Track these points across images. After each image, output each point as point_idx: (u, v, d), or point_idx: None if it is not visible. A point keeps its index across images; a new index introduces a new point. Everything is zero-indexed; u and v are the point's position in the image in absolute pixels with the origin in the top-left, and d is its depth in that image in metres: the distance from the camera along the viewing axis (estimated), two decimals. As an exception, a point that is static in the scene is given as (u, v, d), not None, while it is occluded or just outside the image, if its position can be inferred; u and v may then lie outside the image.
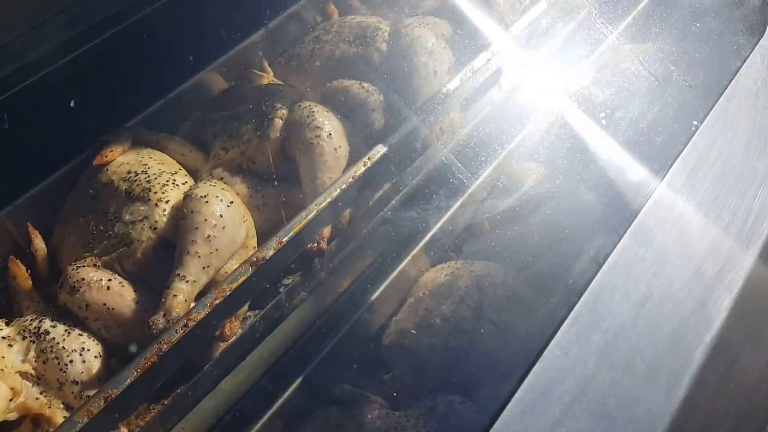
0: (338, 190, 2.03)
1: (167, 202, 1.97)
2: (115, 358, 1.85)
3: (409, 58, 2.33)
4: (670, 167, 2.11)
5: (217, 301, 1.80)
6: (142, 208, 1.97)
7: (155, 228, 1.93)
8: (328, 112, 2.14)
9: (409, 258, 2.36)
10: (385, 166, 2.19)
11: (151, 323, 1.77)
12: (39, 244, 2.08)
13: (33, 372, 1.80)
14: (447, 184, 2.40)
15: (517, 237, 2.44)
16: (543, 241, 2.35)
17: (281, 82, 2.45)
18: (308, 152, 2.08)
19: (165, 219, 1.95)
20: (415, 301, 2.24)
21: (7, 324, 1.89)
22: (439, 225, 2.38)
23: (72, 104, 2.26)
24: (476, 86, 2.42)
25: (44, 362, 1.80)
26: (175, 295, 1.81)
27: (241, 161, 2.17)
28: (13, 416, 1.75)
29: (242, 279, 1.85)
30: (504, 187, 2.53)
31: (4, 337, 1.82)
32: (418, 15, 2.64)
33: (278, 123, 2.14)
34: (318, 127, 2.09)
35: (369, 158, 2.11)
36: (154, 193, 1.98)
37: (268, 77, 2.46)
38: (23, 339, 1.83)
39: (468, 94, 2.43)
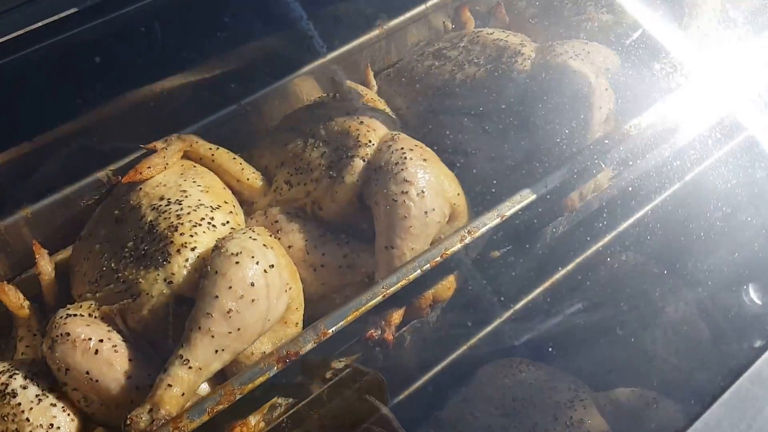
0: (418, 271, 1.47)
1: (193, 249, 1.49)
2: (94, 438, 1.42)
3: (554, 99, 1.72)
4: None
5: (220, 408, 1.31)
6: (160, 251, 1.50)
7: (170, 282, 1.46)
8: (426, 161, 1.58)
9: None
10: (493, 243, 1.62)
11: (130, 420, 1.31)
12: (45, 266, 1.68)
13: (-9, 445, 1.40)
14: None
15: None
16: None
17: (381, 104, 1.91)
18: (389, 211, 1.54)
19: (185, 272, 1.47)
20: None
21: (-26, 368, 1.50)
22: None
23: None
24: (643, 145, 1.78)
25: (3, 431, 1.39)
26: (169, 385, 1.33)
27: (306, 203, 1.66)
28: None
29: (260, 380, 1.34)
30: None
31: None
32: (578, 38, 2.01)
33: (358, 164, 1.60)
34: (407, 181, 1.54)
35: (470, 231, 1.53)
36: (180, 234, 1.51)
37: (369, 94, 1.92)
38: (-21, 401, 1.42)
39: (626, 154, 1.79)
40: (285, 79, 2.00)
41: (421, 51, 2.03)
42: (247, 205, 1.75)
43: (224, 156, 1.78)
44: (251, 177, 1.76)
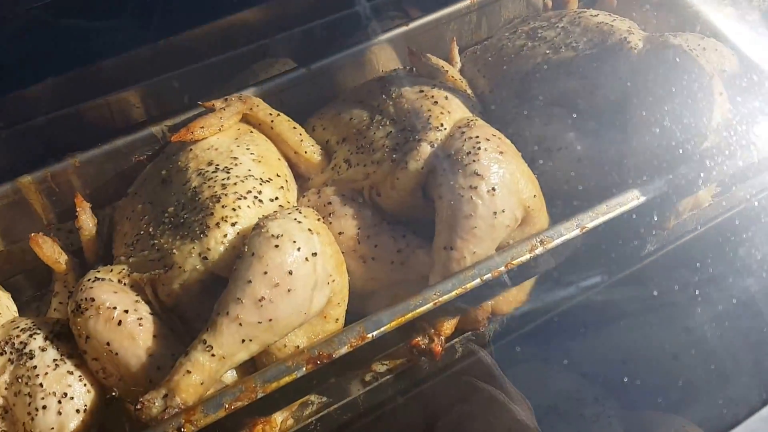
0: (477, 280, 1.29)
1: (234, 224, 1.36)
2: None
3: (660, 97, 1.49)
4: None
5: (239, 405, 1.18)
6: (199, 222, 1.38)
7: (205, 258, 1.34)
8: (502, 153, 1.38)
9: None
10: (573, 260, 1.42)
11: (141, 405, 1.20)
12: (86, 221, 1.59)
13: (3, 403, 1.32)
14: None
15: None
16: None
17: (462, 84, 1.71)
18: (453, 207, 1.36)
19: (222, 249, 1.34)
20: None
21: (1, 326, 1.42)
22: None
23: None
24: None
25: (15, 394, 1.31)
26: (188, 372, 1.22)
27: (364, 186, 1.50)
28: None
29: (286, 380, 1.20)
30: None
31: (-23, 345, 1.34)
32: (694, 33, 1.76)
33: (425, 150, 1.43)
34: (478, 174, 1.35)
35: (543, 240, 1.34)
36: (223, 206, 1.38)
37: (450, 71, 1.72)
38: (1, 354, 1.35)
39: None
40: (360, 45, 1.83)
41: (514, 28, 1.81)
42: (302, 179, 1.61)
43: (284, 124, 1.63)
44: (309, 150, 1.61)
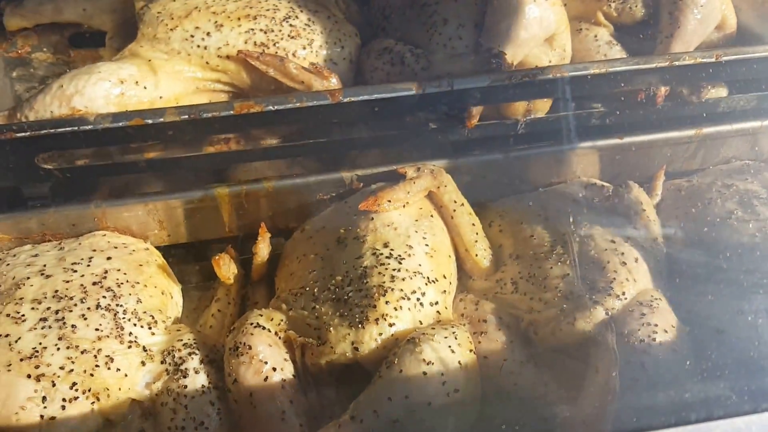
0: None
1: (391, 325, 1.42)
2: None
3: None
4: None
5: None
6: (361, 309, 1.44)
7: (356, 348, 1.41)
8: (674, 352, 1.33)
9: None
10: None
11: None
12: (263, 249, 1.70)
13: (148, 404, 1.48)
14: None
15: None
16: None
17: (654, 227, 1.63)
18: (604, 385, 1.34)
19: (374, 345, 1.41)
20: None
21: (165, 329, 1.57)
22: None
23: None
24: None
25: (162, 404, 1.47)
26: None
27: (523, 317, 1.51)
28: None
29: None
30: None
31: (145, 349, 1.50)
32: None
33: (598, 315, 1.40)
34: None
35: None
36: (386, 302, 1.44)
37: (647, 212, 1.62)
38: (162, 363, 1.50)
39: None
40: (567, 146, 1.79)
41: (730, 179, 1.70)
42: (464, 276, 1.63)
43: (465, 217, 1.65)
44: (480, 253, 1.62)
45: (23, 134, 1.60)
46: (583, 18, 2.01)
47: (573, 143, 1.79)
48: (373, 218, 1.61)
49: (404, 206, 1.63)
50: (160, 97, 1.79)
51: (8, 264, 1.59)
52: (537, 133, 1.81)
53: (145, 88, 1.77)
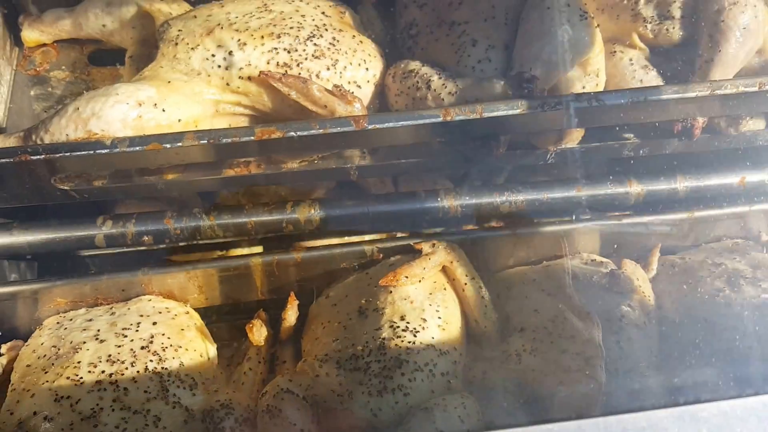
0: None
1: (406, 395, 1.59)
2: None
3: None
4: None
5: None
6: (379, 379, 1.62)
7: (375, 415, 1.58)
8: None
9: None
10: None
11: None
12: (291, 316, 1.89)
13: (191, 461, 1.66)
14: None
15: None
16: None
17: (650, 304, 1.80)
18: None
19: (391, 413, 1.58)
20: None
21: (204, 389, 1.75)
22: None
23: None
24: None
25: (197, 460, 1.65)
26: None
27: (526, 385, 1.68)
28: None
29: None
30: None
31: (188, 409, 1.68)
32: None
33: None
34: None
35: None
36: (402, 373, 1.61)
37: (641, 290, 1.81)
38: (202, 421, 1.68)
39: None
40: (568, 225, 1.96)
41: (721, 257, 1.86)
42: (473, 345, 1.80)
43: (474, 291, 1.82)
44: (488, 325, 1.79)
45: (37, 157, 1.62)
46: (618, 40, 1.95)
47: (575, 223, 1.95)
48: (391, 291, 1.79)
49: (420, 282, 1.81)
50: (179, 120, 1.77)
51: (66, 328, 1.79)
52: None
53: (163, 110, 1.74)
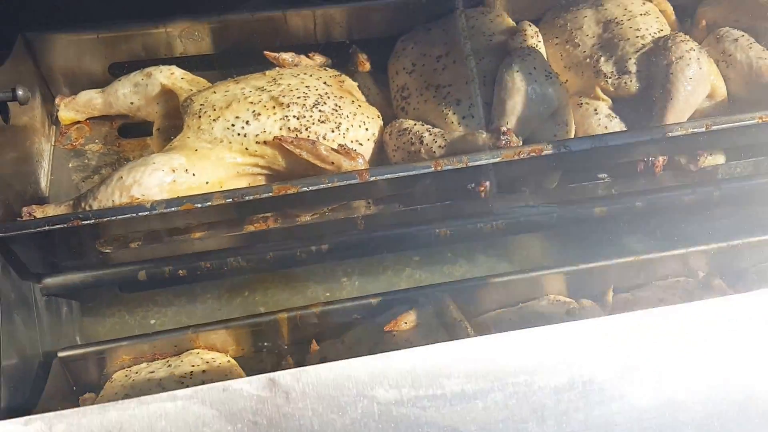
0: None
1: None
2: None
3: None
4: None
5: None
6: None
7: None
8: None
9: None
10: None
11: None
12: (312, 362, 2.16)
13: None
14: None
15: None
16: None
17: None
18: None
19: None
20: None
21: None
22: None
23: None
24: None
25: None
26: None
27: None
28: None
29: None
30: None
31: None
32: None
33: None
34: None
35: None
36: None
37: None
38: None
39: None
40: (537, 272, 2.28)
41: (663, 293, 2.22)
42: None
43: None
44: None
45: (88, 222, 1.82)
46: (584, 93, 2.25)
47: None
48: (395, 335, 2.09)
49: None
50: (207, 182, 2.00)
51: (133, 380, 2.09)
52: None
53: (193, 174, 1.98)
